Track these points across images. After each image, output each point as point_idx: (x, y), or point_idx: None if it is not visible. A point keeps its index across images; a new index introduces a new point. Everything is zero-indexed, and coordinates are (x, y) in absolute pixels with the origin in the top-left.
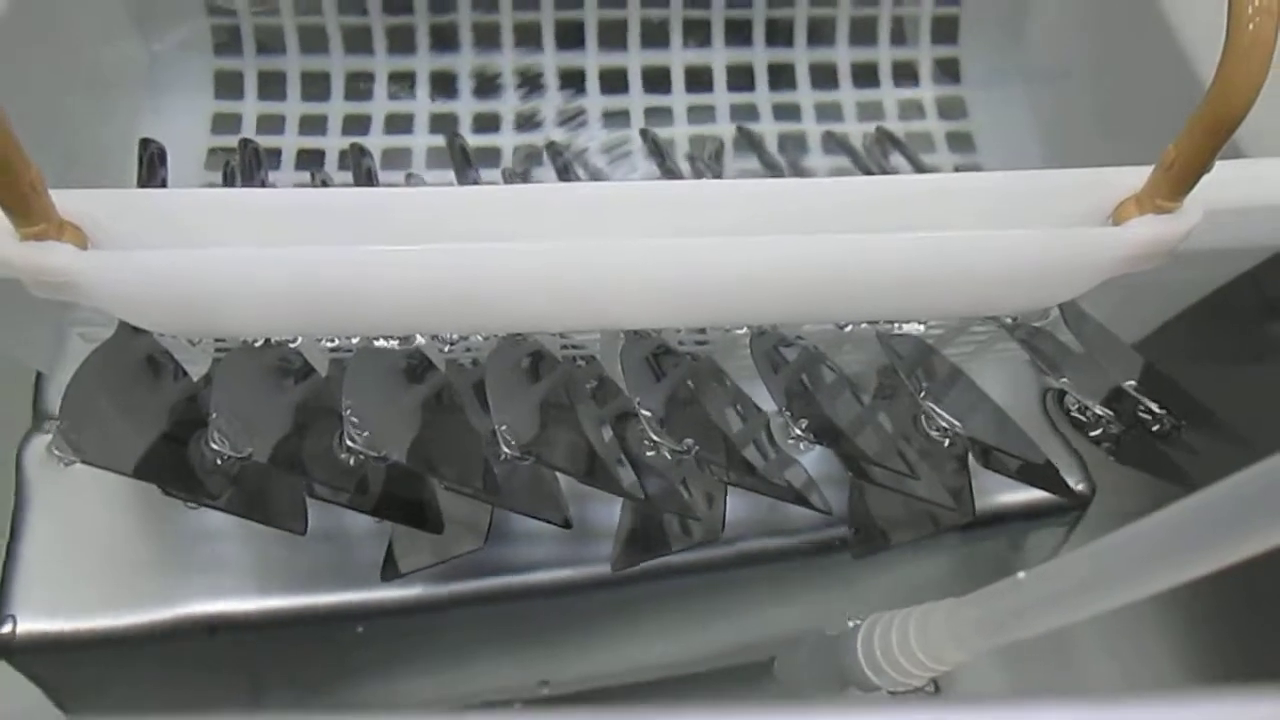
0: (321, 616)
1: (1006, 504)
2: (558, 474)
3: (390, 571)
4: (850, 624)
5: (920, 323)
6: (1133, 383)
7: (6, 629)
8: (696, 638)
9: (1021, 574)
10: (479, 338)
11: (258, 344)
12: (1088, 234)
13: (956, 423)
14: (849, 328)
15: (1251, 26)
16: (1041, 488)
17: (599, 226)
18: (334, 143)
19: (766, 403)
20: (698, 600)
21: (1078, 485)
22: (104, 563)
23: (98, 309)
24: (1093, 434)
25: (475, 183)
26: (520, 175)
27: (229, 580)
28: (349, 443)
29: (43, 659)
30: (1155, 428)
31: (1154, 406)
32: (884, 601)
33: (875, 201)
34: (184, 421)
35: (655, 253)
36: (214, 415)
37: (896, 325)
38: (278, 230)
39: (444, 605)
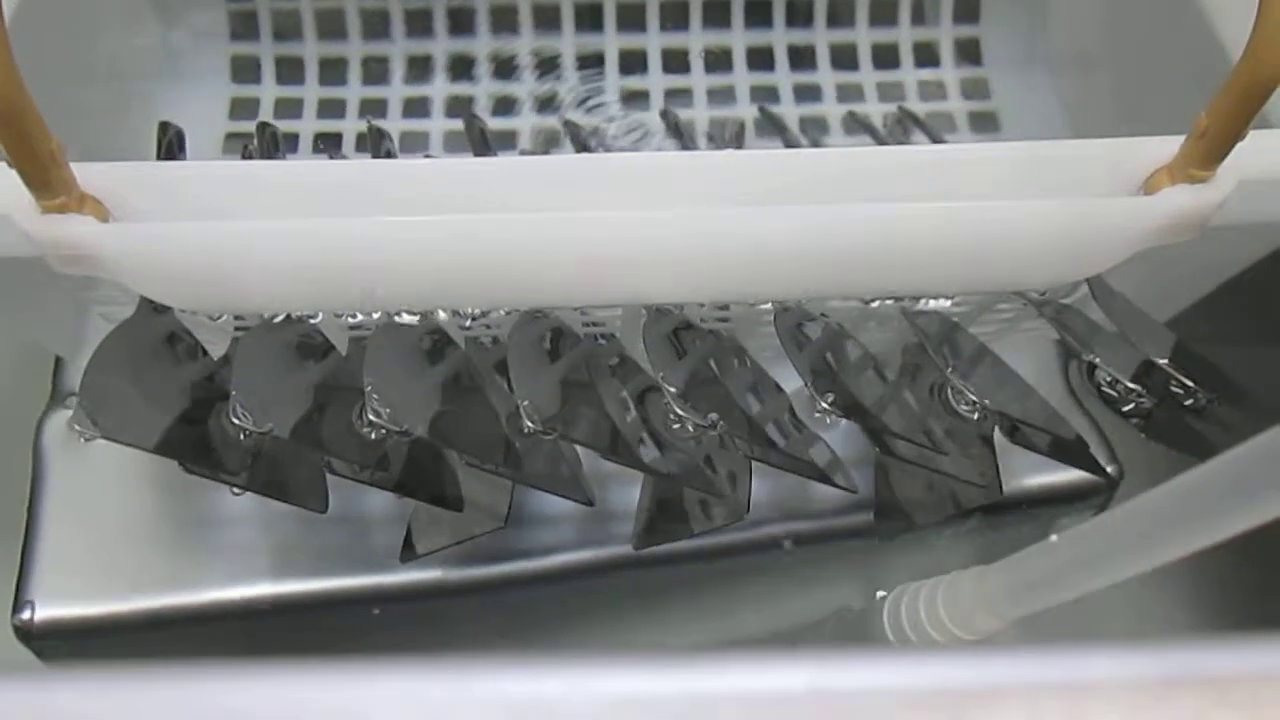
0: (339, 599)
1: (1033, 487)
2: (579, 455)
3: (408, 553)
4: (878, 596)
5: (947, 298)
6: (1164, 360)
7: (26, 615)
8: (718, 623)
9: (1054, 537)
10: (500, 313)
11: (278, 321)
12: (1119, 204)
13: (985, 398)
14: (875, 303)
15: None
16: (1072, 464)
17: (625, 198)
18: (352, 126)
19: (788, 383)
20: (720, 584)
21: (1107, 466)
22: (122, 547)
23: (118, 283)
24: (1124, 409)
25: None
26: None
27: (247, 563)
28: (371, 416)
29: (62, 644)
30: (1188, 403)
31: (1187, 381)
32: None
33: (899, 171)
34: (204, 399)
35: (681, 223)
36: (235, 392)
37: (922, 301)
38: (299, 202)
39: (461, 589)
